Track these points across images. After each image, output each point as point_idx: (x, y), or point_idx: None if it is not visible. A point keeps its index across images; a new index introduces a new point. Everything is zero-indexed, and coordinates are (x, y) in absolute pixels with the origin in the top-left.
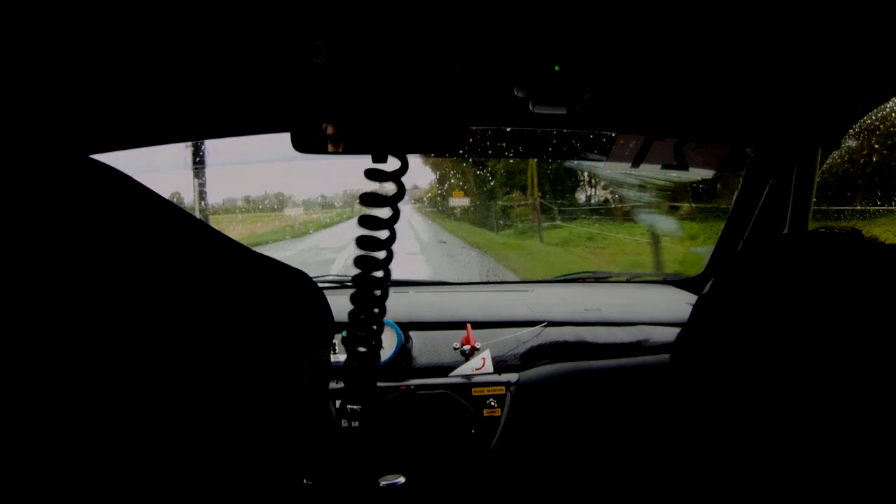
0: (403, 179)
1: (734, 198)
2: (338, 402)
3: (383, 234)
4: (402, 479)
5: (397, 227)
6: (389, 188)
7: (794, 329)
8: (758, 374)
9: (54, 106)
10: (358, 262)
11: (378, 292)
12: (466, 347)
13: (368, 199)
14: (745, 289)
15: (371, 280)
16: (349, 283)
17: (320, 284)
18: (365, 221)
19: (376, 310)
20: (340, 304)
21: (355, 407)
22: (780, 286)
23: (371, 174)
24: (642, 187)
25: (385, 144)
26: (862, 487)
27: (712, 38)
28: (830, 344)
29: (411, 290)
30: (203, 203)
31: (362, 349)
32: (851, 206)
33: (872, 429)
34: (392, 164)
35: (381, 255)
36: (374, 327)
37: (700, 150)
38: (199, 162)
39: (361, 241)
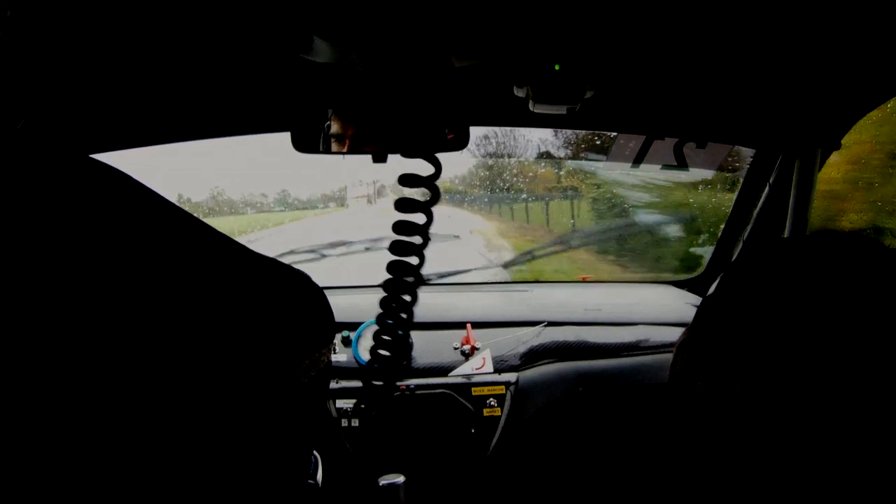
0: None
1: (734, 198)
2: (341, 402)
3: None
4: (402, 479)
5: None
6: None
7: (803, 333)
8: (765, 378)
9: (54, 106)
10: (391, 267)
11: (408, 297)
12: (466, 347)
13: (403, 204)
14: (751, 293)
15: (402, 284)
16: (351, 284)
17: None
18: (399, 227)
19: (404, 315)
20: (341, 304)
21: (361, 406)
22: (788, 290)
23: (405, 180)
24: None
25: (384, 144)
26: (866, 490)
27: (712, 38)
28: (839, 348)
29: None
30: None
31: (386, 353)
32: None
33: (880, 433)
34: (426, 168)
35: (414, 260)
36: (401, 332)
37: (700, 149)
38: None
39: (395, 247)
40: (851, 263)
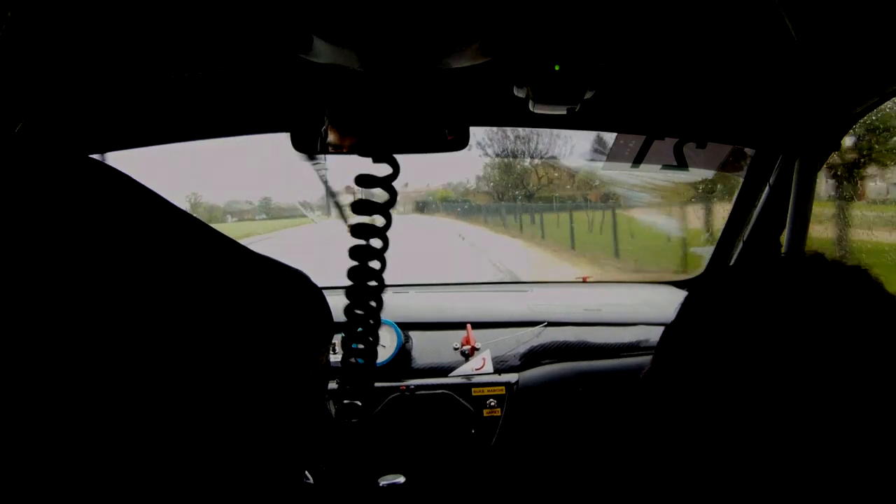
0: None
1: (734, 198)
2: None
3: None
4: (402, 479)
5: None
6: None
7: (765, 364)
8: (728, 412)
9: (54, 106)
10: (351, 273)
11: (373, 303)
12: (466, 347)
13: (360, 206)
14: (712, 322)
15: (365, 291)
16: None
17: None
18: (357, 230)
19: (371, 321)
20: (340, 304)
21: (354, 407)
22: (750, 319)
23: (361, 180)
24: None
25: (385, 144)
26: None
27: (712, 38)
28: (800, 382)
29: (411, 291)
30: None
31: (357, 360)
32: None
33: (844, 471)
34: (383, 169)
35: (375, 265)
36: (371, 339)
37: (700, 150)
38: None
39: (354, 252)
40: (814, 291)
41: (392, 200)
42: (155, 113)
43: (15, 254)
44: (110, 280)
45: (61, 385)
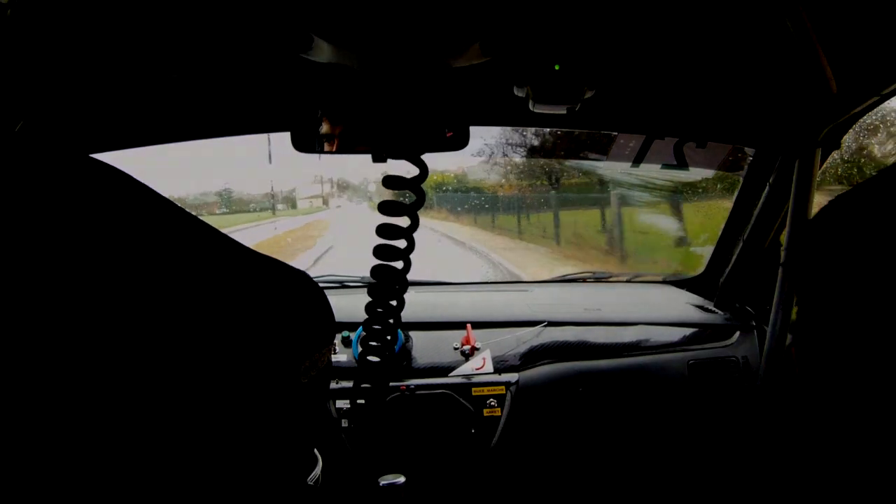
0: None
1: (735, 197)
2: (341, 402)
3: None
4: (402, 479)
5: None
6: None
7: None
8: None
9: (54, 106)
10: (375, 272)
11: (394, 302)
12: (466, 347)
13: (387, 207)
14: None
15: (388, 289)
16: (351, 284)
17: (322, 284)
18: (383, 231)
19: (391, 320)
20: (341, 304)
21: (360, 404)
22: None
23: (389, 182)
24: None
25: (384, 144)
26: None
27: (712, 38)
28: None
29: (411, 290)
30: None
31: (375, 359)
32: None
33: None
34: (410, 170)
35: (399, 265)
36: (388, 337)
37: (700, 149)
38: None
39: (379, 251)
40: None
41: (420, 202)
42: (155, 112)
43: (16, 253)
44: (111, 279)
45: (61, 384)
